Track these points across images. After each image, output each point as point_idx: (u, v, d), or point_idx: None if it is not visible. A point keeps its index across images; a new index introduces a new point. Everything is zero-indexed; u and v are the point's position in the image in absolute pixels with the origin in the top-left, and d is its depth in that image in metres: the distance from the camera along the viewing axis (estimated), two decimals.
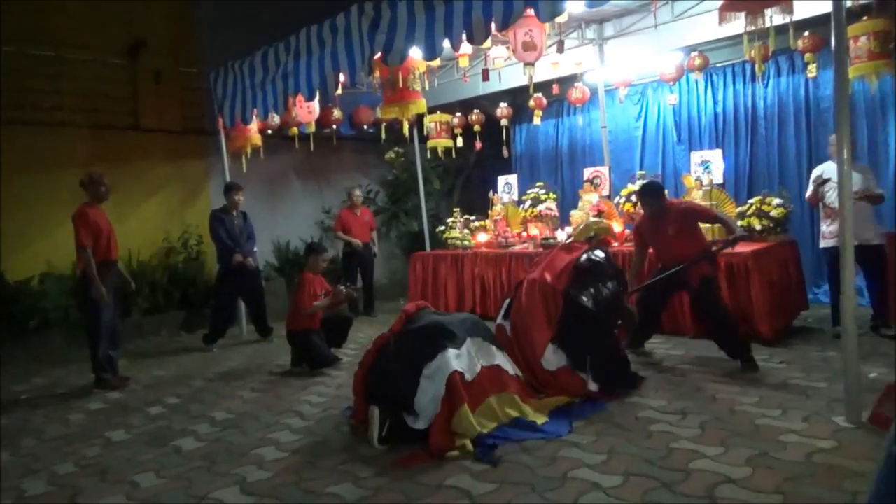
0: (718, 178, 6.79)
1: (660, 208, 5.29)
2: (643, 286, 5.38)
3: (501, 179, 9.13)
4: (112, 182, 5.88)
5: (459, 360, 3.84)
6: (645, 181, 5.88)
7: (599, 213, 7.06)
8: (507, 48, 6.46)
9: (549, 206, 8.06)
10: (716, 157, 6.90)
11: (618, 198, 7.36)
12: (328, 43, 5.86)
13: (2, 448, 4.17)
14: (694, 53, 6.98)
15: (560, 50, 6.35)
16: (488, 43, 6.04)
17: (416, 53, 5.36)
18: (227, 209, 7.09)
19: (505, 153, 9.37)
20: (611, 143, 8.81)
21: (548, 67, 7.18)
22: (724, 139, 8.30)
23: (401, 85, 6.04)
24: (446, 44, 5.08)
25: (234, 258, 6.87)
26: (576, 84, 8.03)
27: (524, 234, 8.14)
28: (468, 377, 3.81)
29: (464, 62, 6.77)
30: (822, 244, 5.77)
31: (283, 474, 3.46)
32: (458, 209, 9.24)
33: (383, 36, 5.30)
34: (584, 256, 4.70)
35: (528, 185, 8.76)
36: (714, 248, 5.20)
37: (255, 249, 7.30)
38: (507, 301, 4.83)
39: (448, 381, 3.72)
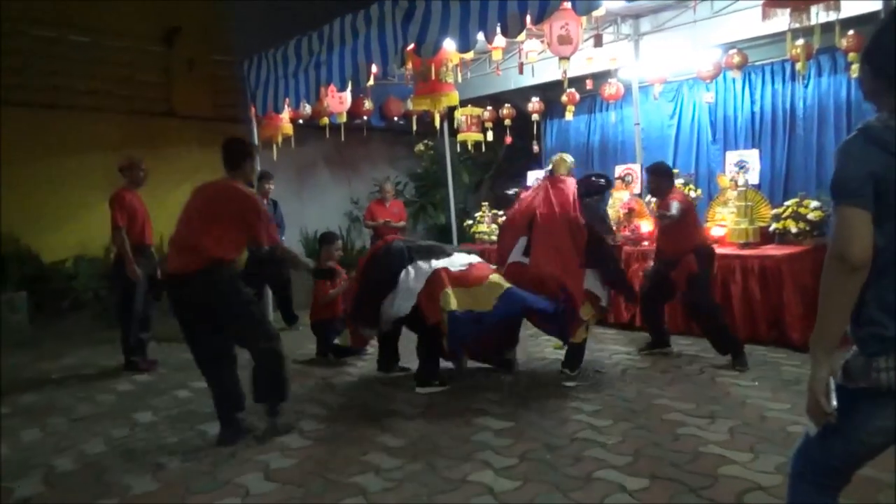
0: (754, 178, 6.65)
1: (662, 191, 5.35)
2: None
3: (531, 175, 9.04)
4: (146, 167, 5.96)
5: (445, 262, 4.74)
6: (655, 162, 5.80)
7: (630, 212, 6.96)
8: (542, 42, 6.38)
9: None
10: (752, 158, 6.76)
11: (649, 196, 7.24)
12: (361, 33, 5.84)
13: (29, 427, 4.25)
14: (732, 51, 6.82)
15: (598, 44, 6.25)
16: (522, 36, 5.96)
17: (449, 45, 5.32)
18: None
19: (535, 148, 9.29)
20: (643, 140, 8.67)
21: (582, 62, 7.08)
22: (761, 139, 8.12)
23: (433, 77, 6.02)
24: (480, 36, 5.04)
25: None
26: (610, 80, 7.91)
27: None
28: (455, 268, 4.65)
29: (497, 55, 6.70)
30: None
31: (306, 462, 3.47)
32: (487, 204, 9.18)
33: (417, 27, 5.27)
34: (581, 187, 4.97)
35: None
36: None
37: (283, 238, 7.34)
38: (524, 239, 4.89)
39: (432, 275, 4.58)
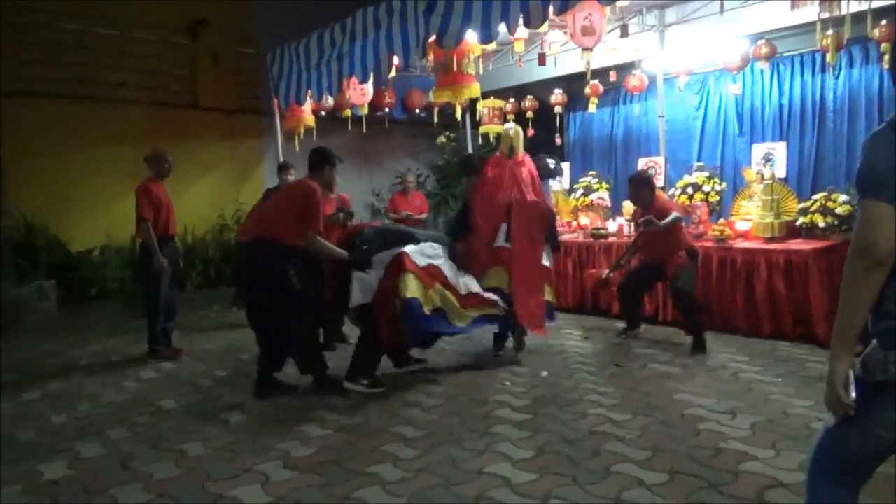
0: (781, 171, 6.55)
1: (645, 201, 5.56)
2: (623, 263, 5.98)
3: None
4: (171, 159, 6.03)
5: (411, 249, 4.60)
6: (637, 172, 6.22)
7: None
8: (565, 33, 6.32)
9: (602, 195, 7.92)
10: (779, 150, 6.65)
11: (673, 189, 7.16)
12: (383, 25, 5.84)
13: (57, 412, 4.35)
14: (761, 41, 6.68)
15: (624, 34, 6.17)
16: (545, 27, 5.91)
17: (471, 37, 5.30)
18: (279, 187, 7.17)
19: (557, 141, 9.22)
20: (668, 133, 8.54)
21: (605, 53, 6.99)
22: (789, 132, 7.96)
23: (455, 68, 6.00)
24: (502, 27, 5.00)
25: None
26: (634, 71, 7.81)
27: (574, 223, 8.01)
28: (417, 262, 4.53)
29: (519, 46, 6.65)
30: None
31: (325, 451, 3.50)
32: None
33: (439, 18, 5.25)
34: (540, 170, 5.41)
35: (581, 174, 8.61)
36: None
37: None
38: (504, 226, 5.15)
39: (393, 259, 4.48)
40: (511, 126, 5.57)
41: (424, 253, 4.69)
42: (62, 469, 3.36)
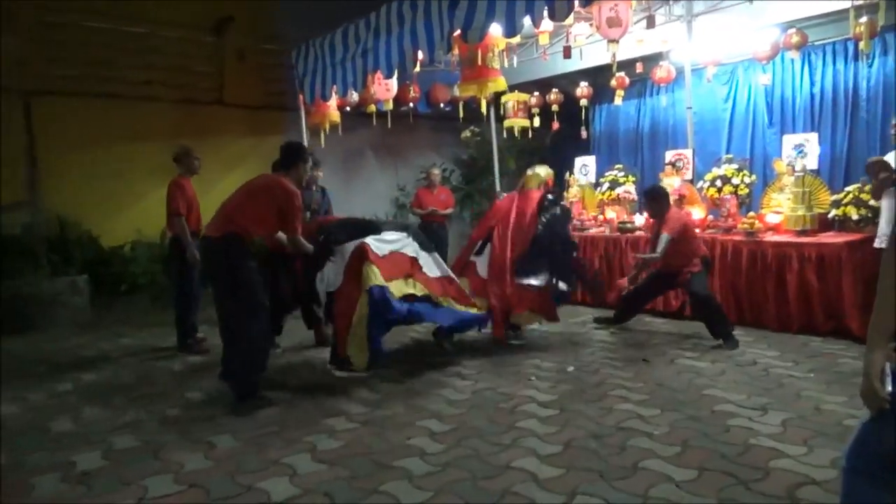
0: (813, 163, 6.41)
1: (658, 213, 5.69)
2: (641, 269, 5.99)
3: (578, 161, 8.93)
4: (197, 155, 6.10)
5: (373, 240, 4.71)
6: (652, 185, 6.28)
7: (681, 198, 6.79)
8: (590, 25, 6.27)
9: (628, 189, 7.83)
10: (811, 142, 6.51)
11: (701, 182, 7.06)
12: (408, 19, 5.84)
13: (90, 404, 4.44)
14: (791, 30, 6.54)
15: (651, 25, 6.09)
16: (570, 19, 5.87)
17: (495, 30, 5.27)
18: (307, 184, 7.19)
19: (583, 134, 9.15)
20: (696, 124, 8.41)
21: (632, 45, 6.93)
22: (821, 122, 7.81)
23: (479, 62, 5.98)
24: (527, 20, 4.97)
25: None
26: (661, 63, 7.71)
27: (600, 217, 7.94)
28: (378, 253, 4.64)
29: (544, 39, 6.61)
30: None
31: (352, 445, 3.52)
32: None
33: (463, 12, 5.24)
34: (545, 201, 5.56)
35: (607, 168, 8.53)
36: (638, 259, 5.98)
37: None
38: (481, 242, 5.65)
39: (355, 249, 4.59)
40: (536, 169, 5.93)
41: (384, 240, 4.82)
42: (96, 460, 3.43)
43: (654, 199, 5.78)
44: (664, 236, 5.50)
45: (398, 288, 4.67)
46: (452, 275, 5.32)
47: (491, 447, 3.40)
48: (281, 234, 4.51)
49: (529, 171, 5.90)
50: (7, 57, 7.41)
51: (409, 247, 5.04)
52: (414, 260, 5.02)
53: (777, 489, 2.82)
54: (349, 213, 9.84)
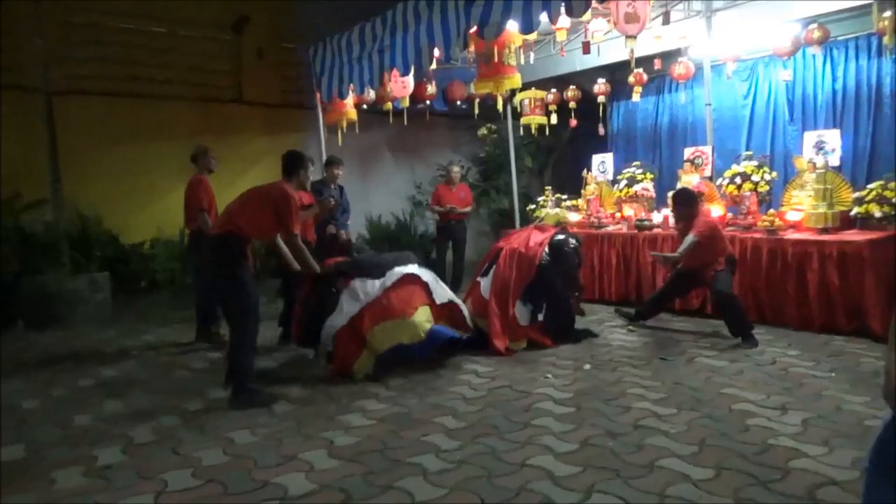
0: (835, 160, 6.31)
1: (689, 216, 5.67)
2: (670, 262, 5.90)
3: (596, 158, 8.87)
4: (215, 153, 6.16)
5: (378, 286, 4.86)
6: (681, 188, 6.32)
7: (700, 196, 6.73)
8: (608, 21, 6.22)
9: (646, 186, 7.78)
10: (833, 138, 6.41)
11: (720, 179, 6.98)
12: (424, 17, 5.84)
13: (111, 399, 4.50)
14: (812, 25, 6.45)
15: (666, 21, 6.04)
16: (588, 15, 5.82)
17: (512, 27, 5.25)
18: (325, 182, 7.22)
19: (601, 131, 9.09)
20: (715, 121, 8.33)
21: (650, 41, 6.84)
22: (843, 119, 7.69)
23: (496, 59, 5.95)
24: (544, 17, 4.94)
25: (328, 230, 7.01)
26: (679, 59, 7.63)
27: (618, 214, 7.89)
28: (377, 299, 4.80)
29: (561, 36, 6.56)
30: None
31: (368, 441, 3.54)
32: (550, 187, 9.07)
33: (479, 9, 5.22)
34: (557, 238, 5.75)
35: (624, 165, 8.47)
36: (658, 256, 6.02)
37: (349, 223, 7.46)
38: (487, 264, 5.79)
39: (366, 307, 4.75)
40: (556, 210, 6.53)
41: (385, 285, 4.91)
42: (116, 454, 3.47)
43: (682, 202, 5.79)
44: (690, 238, 5.49)
45: (393, 337, 4.77)
46: (458, 301, 5.37)
47: (507, 444, 3.40)
48: (283, 246, 4.61)
49: (550, 211, 6.13)
50: (32, 57, 7.53)
51: (419, 270, 5.14)
52: (426, 286, 5.11)
53: (797, 489, 2.78)
54: (366, 211, 9.95)
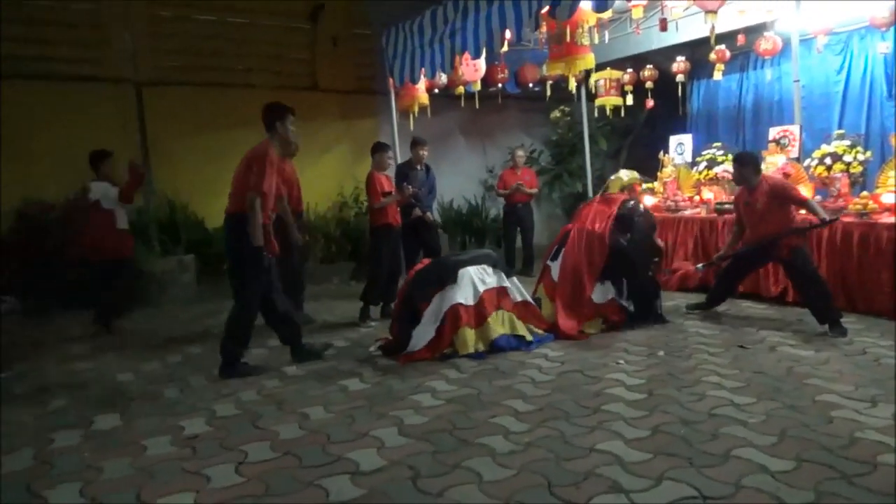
0: None
1: (749, 181, 5.36)
2: (727, 255, 5.70)
3: (674, 139, 8.59)
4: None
5: (458, 292, 4.87)
6: (740, 151, 6.04)
7: (786, 177, 6.41)
8: None
9: (727, 168, 7.47)
10: None
11: (808, 160, 6.62)
12: None
13: (196, 374, 4.74)
14: None
15: None
16: None
17: (585, 5, 5.14)
18: (411, 163, 7.24)
19: (680, 111, 8.79)
20: (804, 99, 7.90)
21: (732, 16, 6.56)
22: None
23: (568, 39, 5.86)
24: None
25: (414, 212, 7.01)
26: (765, 34, 7.27)
27: (696, 198, 7.63)
28: (470, 302, 4.88)
29: (637, 13, 6.36)
30: None
31: (437, 421, 3.59)
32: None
33: None
34: (625, 207, 5.62)
35: (704, 146, 8.16)
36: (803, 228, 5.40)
37: (436, 202, 7.45)
38: (556, 247, 5.71)
39: (448, 311, 4.81)
40: (619, 173, 6.18)
41: (471, 284, 4.95)
42: (201, 425, 3.67)
43: (742, 163, 5.47)
44: (810, 200, 5.40)
45: (496, 322, 4.96)
46: (530, 299, 5.39)
47: (576, 429, 3.38)
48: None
49: (613, 176, 5.90)
50: (122, 50, 7.95)
51: (494, 278, 5.13)
52: (502, 290, 5.14)
53: (883, 485, 2.64)
54: (438, 195, 9.99)
